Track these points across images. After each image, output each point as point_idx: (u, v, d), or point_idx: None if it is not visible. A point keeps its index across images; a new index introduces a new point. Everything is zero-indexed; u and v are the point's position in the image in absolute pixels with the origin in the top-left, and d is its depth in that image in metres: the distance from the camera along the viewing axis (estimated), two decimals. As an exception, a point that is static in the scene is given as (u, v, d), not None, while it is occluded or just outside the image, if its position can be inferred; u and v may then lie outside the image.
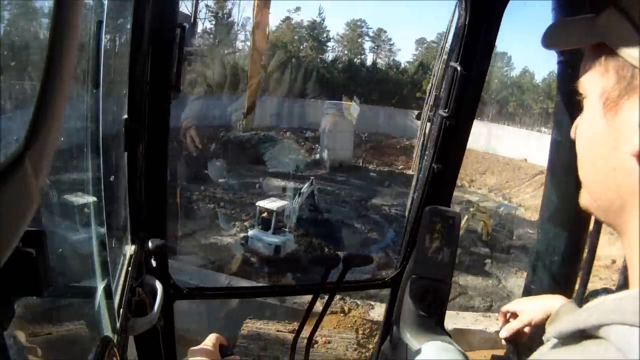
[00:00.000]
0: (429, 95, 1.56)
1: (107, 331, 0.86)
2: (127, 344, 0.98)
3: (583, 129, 0.48)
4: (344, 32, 30.34)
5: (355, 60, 29.47)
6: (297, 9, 28.83)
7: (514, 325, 1.05)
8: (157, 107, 1.07)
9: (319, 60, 27.89)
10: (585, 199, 0.50)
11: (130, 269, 1.01)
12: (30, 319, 0.61)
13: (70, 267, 0.86)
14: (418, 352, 1.34)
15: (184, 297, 1.35)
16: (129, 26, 0.94)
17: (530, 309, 1.05)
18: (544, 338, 0.49)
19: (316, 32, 28.81)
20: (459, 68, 1.38)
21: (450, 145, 1.48)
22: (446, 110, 1.43)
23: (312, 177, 13.62)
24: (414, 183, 1.65)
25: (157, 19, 0.99)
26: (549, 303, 1.03)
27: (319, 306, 1.55)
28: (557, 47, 0.53)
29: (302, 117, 21.98)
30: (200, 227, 11.93)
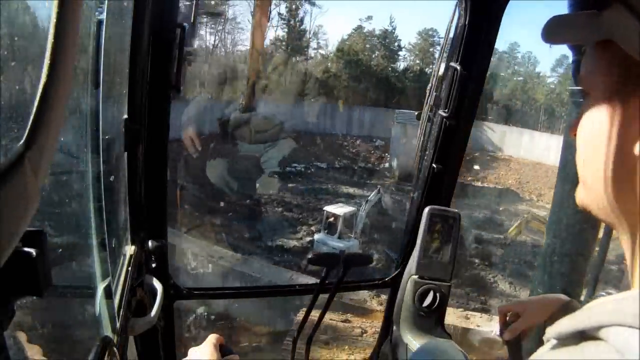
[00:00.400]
0: (429, 95, 1.56)
1: (107, 331, 0.86)
2: (127, 344, 0.98)
3: (586, 127, 0.47)
4: (416, 41, 29.61)
5: (426, 69, 28.72)
6: (369, 17, 28.20)
7: (516, 326, 1.04)
8: (157, 107, 1.07)
9: (390, 69, 27.50)
10: (584, 197, 0.49)
11: (130, 269, 1.01)
12: (30, 319, 0.61)
13: (70, 267, 0.86)
14: (418, 352, 1.34)
15: (184, 297, 1.35)
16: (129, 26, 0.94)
17: (532, 309, 1.04)
18: (543, 338, 0.49)
19: (387, 41, 28.33)
20: (458, 68, 1.38)
21: (450, 145, 1.48)
22: (446, 110, 1.43)
23: (379, 186, 13.70)
24: (414, 183, 1.65)
25: (157, 19, 0.99)
26: (551, 302, 1.02)
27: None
28: (558, 42, 0.52)
29: (372, 125, 21.89)
30: (268, 229, 12.20)
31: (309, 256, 1.29)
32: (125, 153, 1.01)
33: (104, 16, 0.81)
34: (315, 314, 1.42)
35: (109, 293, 0.87)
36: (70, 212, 0.83)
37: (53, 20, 0.30)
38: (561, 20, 0.49)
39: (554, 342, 0.46)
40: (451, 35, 1.44)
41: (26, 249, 0.35)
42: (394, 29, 28.02)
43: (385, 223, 13.04)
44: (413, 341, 1.44)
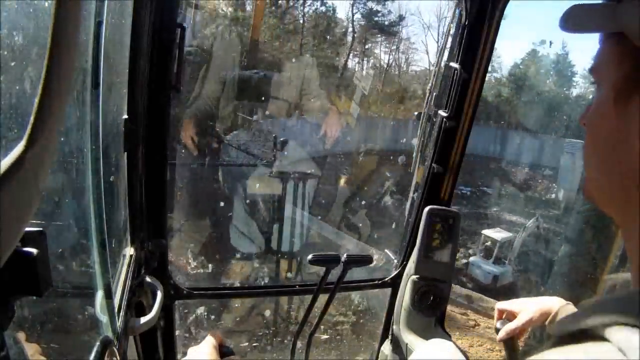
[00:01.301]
0: (429, 95, 1.56)
1: (107, 331, 0.86)
2: (127, 344, 0.98)
3: (593, 118, 0.48)
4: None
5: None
6: (542, 42, 26.28)
7: (512, 325, 1.05)
8: (156, 107, 1.07)
9: (562, 96, 25.64)
10: (588, 189, 0.50)
11: (130, 269, 1.01)
12: (30, 319, 0.61)
13: (70, 267, 0.86)
14: (418, 352, 1.34)
15: (184, 297, 1.35)
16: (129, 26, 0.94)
17: (528, 309, 1.04)
18: (545, 337, 0.49)
19: (560, 66, 27.34)
20: (459, 68, 1.38)
21: (450, 146, 1.48)
22: (446, 110, 1.43)
23: (537, 214, 13.56)
24: (413, 183, 1.65)
25: (157, 19, 0.99)
26: (548, 304, 1.02)
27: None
28: (575, 30, 0.52)
29: (542, 153, 21.18)
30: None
31: (310, 257, 1.28)
32: (125, 153, 1.01)
33: (104, 16, 0.81)
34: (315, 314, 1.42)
35: (109, 293, 0.87)
36: (70, 212, 0.83)
37: (53, 20, 0.30)
38: (580, 9, 0.49)
39: (556, 340, 0.46)
40: (451, 35, 1.44)
41: (26, 249, 0.35)
42: (567, 54, 25.56)
43: (540, 252, 12.90)
44: (413, 341, 1.44)
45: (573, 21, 0.50)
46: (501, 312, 1.10)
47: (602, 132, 0.45)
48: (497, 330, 1.09)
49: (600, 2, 0.47)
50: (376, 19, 17.30)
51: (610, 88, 0.44)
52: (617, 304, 0.40)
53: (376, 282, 1.63)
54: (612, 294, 0.43)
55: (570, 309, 0.99)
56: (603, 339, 0.38)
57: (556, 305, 1.00)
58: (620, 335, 0.37)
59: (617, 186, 0.44)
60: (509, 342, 1.06)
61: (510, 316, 1.08)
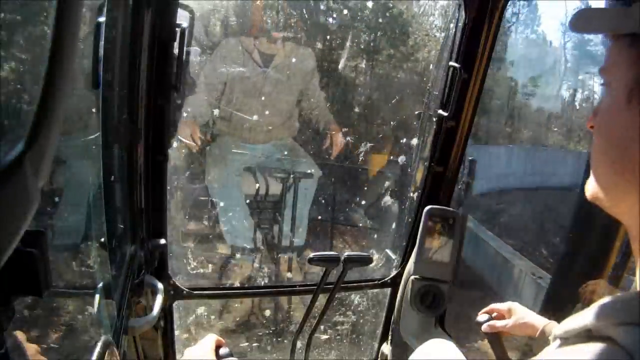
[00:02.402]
0: (429, 95, 1.56)
1: (107, 331, 0.86)
2: (127, 344, 0.98)
3: (604, 118, 0.48)
4: None
5: None
6: None
7: (498, 324, 1.13)
8: (156, 107, 1.07)
9: None
10: (593, 189, 0.49)
11: (130, 269, 1.01)
12: (30, 319, 0.61)
13: (70, 267, 0.86)
14: (418, 352, 1.34)
15: (184, 297, 1.35)
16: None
17: (517, 315, 1.11)
18: (550, 338, 0.49)
19: None
20: (459, 68, 1.38)
21: (449, 146, 1.48)
22: (446, 110, 1.43)
23: None
24: (413, 183, 1.65)
25: (156, 19, 1.00)
26: (534, 320, 1.09)
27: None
28: (585, 31, 0.52)
29: None
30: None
31: (309, 256, 1.28)
32: (125, 153, 1.01)
33: (104, 16, 0.81)
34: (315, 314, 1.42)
35: (109, 293, 0.87)
36: (70, 212, 0.83)
37: (53, 20, 0.30)
38: (591, 11, 0.49)
39: (560, 341, 0.46)
40: (451, 35, 1.44)
41: (26, 249, 0.35)
42: None
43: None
44: (413, 341, 1.44)
45: (583, 23, 0.50)
46: (492, 310, 1.17)
47: (614, 133, 0.45)
48: (477, 323, 1.17)
49: (611, 3, 0.47)
50: (589, 47, 15.04)
51: (622, 89, 0.44)
52: (623, 304, 0.40)
53: (376, 282, 1.63)
54: (617, 295, 0.43)
55: (555, 325, 1.03)
56: (609, 339, 0.38)
57: (541, 322, 1.07)
58: (626, 334, 0.37)
59: (629, 187, 0.44)
60: (494, 338, 1.14)
61: (500, 316, 1.15)
